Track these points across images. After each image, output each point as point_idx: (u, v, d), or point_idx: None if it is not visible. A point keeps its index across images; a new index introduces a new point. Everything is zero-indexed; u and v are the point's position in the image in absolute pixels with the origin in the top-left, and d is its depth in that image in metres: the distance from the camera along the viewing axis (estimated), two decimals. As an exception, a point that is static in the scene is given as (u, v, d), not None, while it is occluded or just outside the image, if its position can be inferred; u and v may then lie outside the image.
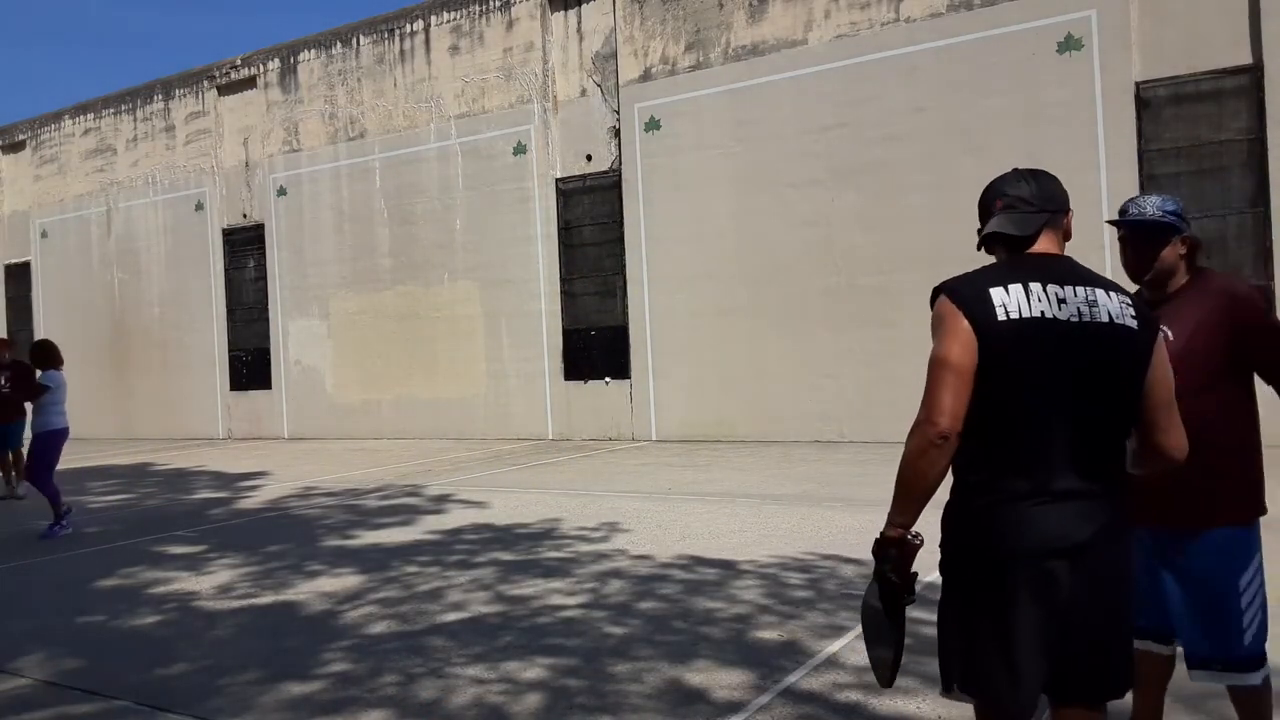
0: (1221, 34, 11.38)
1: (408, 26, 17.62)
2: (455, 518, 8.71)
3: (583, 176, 15.90)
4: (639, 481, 10.52)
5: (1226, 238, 11.53)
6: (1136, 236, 2.93)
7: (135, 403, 21.25)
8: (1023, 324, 2.12)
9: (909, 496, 2.16)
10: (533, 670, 4.44)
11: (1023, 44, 12.33)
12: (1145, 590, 2.86)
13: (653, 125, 15.01)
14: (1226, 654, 2.87)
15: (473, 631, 5.10)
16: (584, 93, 15.89)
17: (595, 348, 15.78)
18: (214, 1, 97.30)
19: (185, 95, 20.71)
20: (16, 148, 23.96)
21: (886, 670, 2.27)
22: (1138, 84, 11.80)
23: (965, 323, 2.13)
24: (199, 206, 20.44)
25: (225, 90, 20.19)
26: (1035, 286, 2.15)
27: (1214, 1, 11.41)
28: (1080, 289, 2.18)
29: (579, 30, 15.92)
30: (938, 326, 2.19)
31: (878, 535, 2.23)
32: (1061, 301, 2.15)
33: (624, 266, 15.39)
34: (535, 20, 16.16)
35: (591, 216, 15.90)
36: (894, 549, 2.18)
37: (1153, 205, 2.92)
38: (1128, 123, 11.80)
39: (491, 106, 16.64)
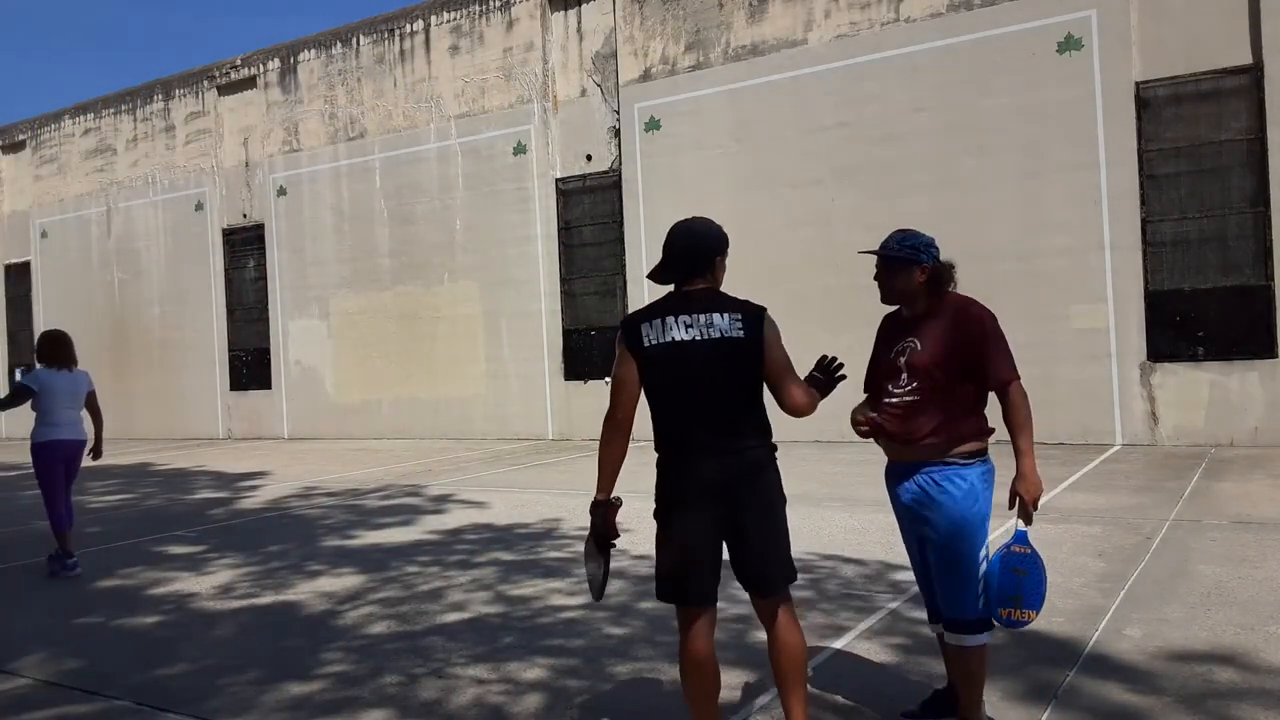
0: (1221, 34, 11.38)
1: (408, 26, 17.62)
2: (455, 518, 8.71)
3: (583, 176, 15.90)
4: (639, 481, 10.45)
5: (1226, 238, 11.53)
6: (881, 267, 3.49)
7: (135, 402, 21.24)
8: (662, 347, 3.13)
9: (604, 469, 3.20)
10: (533, 670, 4.44)
11: (1023, 44, 12.33)
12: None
13: (653, 125, 15.01)
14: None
15: (473, 632, 5.10)
16: (584, 93, 15.88)
17: (595, 348, 15.78)
18: (214, 1, 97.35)
19: (185, 95, 20.71)
20: (16, 148, 23.96)
21: (596, 589, 3.27)
22: (1138, 84, 11.80)
23: (626, 350, 3.18)
24: (199, 206, 20.44)
25: (225, 90, 20.19)
26: (670, 319, 3.15)
27: (1214, 1, 11.41)
28: (703, 315, 3.15)
29: (579, 30, 15.92)
30: (616, 352, 3.24)
31: (592, 500, 3.21)
32: (688, 327, 3.14)
33: (624, 266, 15.39)
34: (535, 20, 16.16)
35: (591, 216, 15.90)
36: (600, 508, 3.17)
37: (895, 241, 3.46)
38: (1128, 123, 11.80)
39: (491, 106, 16.64)
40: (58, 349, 7.41)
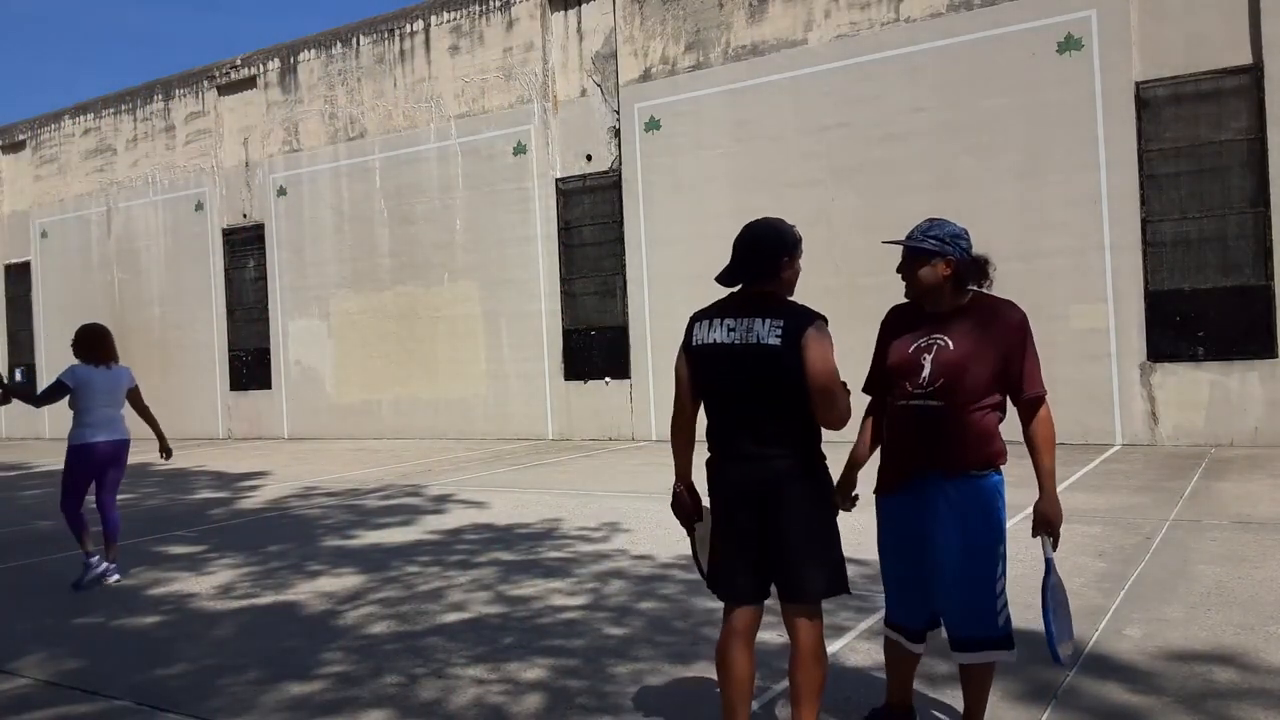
0: (1221, 34, 11.38)
1: (408, 26, 17.62)
2: (456, 518, 8.71)
3: (583, 176, 15.90)
4: (639, 481, 10.51)
5: (1226, 238, 11.53)
6: (904, 257, 3.29)
7: (135, 403, 21.22)
8: (704, 347, 3.19)
9: (674, 460, 3.36)
10: (533, 671, 4.44)
11: (1023, 44, 12.32)
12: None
13: (653, 125, 15.01)
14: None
15: (473, 632, 5.10)
16: (584, 93, 15.88)
17: (595, 348, 15.78)
18: (214, 1, 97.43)
19: (185, 95, 20.71)
20: (16, 148, 23.96)
21: (696, 564, 3.41)
22: (1138, 84, 11.80)
23: (682, 346, 3.29)
24: (199, 206, 20.44)
25: (225, 90, 20.19)
26: (717, 321, 3.18)
27: (1214, 1, 11.41)
28: (745, 320, 3.13)
29: (579, 30, 15.92)
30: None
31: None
32: (731, 330, 3.14)
33: (624, 266, 15.39)
34: (535, 20, 16.16)
35: (591, 216, 15.90)
36: (673, 494, 3.36)
37: (919, 231, 3.25)
38: (1128, 123, 11.80)
39: (491, 106, 16.64)
40: (95, 343, 6.96)
